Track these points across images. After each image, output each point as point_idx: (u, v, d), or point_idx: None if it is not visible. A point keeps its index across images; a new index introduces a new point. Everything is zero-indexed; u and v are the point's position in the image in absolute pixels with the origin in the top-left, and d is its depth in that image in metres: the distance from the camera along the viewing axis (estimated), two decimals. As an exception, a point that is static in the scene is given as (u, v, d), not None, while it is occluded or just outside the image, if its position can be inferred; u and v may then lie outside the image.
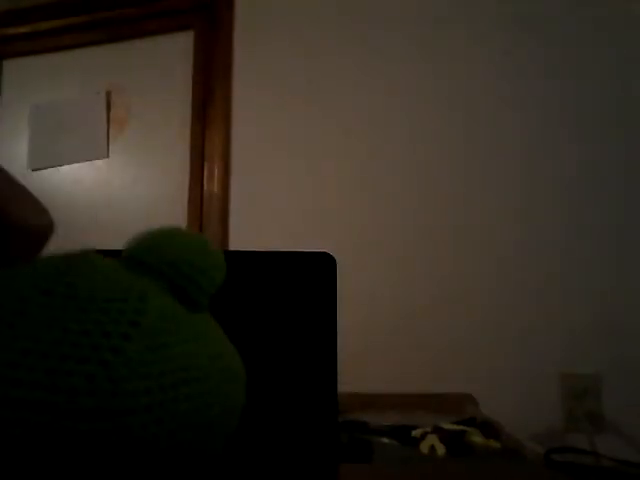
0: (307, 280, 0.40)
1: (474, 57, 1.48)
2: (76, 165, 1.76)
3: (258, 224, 1.52)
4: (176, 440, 0.18)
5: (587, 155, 1.40)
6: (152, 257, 0.24)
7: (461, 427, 0.91)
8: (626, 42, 1.42)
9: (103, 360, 0.17)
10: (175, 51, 1.73)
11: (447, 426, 0.92)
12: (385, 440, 0.91)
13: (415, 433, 0.91)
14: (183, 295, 0.24)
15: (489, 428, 0.93)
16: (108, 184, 1.72)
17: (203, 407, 0.20)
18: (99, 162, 1.74)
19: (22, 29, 1.84)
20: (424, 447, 0.86)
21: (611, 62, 1.42)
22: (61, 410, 0.15)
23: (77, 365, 0.16)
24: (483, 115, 1.45)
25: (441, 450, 0.84)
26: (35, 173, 1.77)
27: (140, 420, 0.17)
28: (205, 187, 1.59)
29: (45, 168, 1.77)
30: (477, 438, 0.87)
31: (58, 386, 0.15)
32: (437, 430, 0.90)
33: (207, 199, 1.58)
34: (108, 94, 1.77)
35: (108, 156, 1.74)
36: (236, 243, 1.53)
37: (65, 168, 1.77)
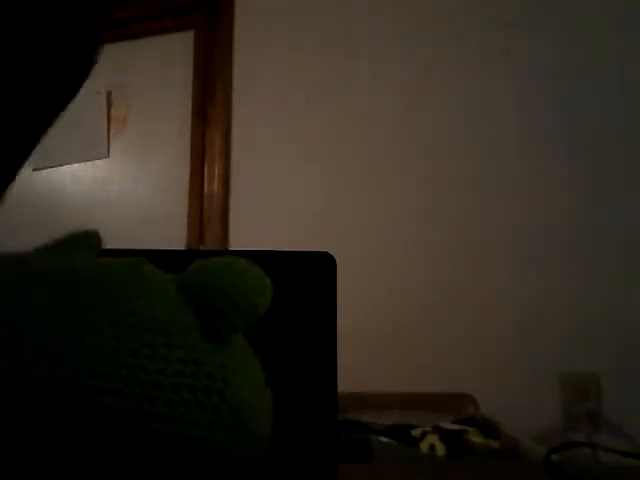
0: (306, 280, 0.40)
1: (473, 57, 1.48)
2: (76, 165, 1.76)
3: (258, 224, 1.52)
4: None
5: (588, 155, 1.40)
6: (199, 282, 0.25)
7: (461, 427, 0.91)
8: (626, 42, 1.42)
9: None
10: (175, 51, 1.73)
11: (447, 426, 0.92)
12: (384, 439, 0.91)
13: (415, 432, 0.91)
14: (209, 323, 0.24)
15: (488, 428, 0.93)
16: (108, 184, 1.72)
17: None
18: (99, 162, 1.74)
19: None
20: (424, 447, 0.86)
21: (612, 63, 1.42)
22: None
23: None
24: (484, 116, 1.45)
25: (441, 450, 0.85)
26: (35, 173, 1.77)
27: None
28: (205, 187, 1.59)
29: (46, 168, 1.77)
30: (477, 438, 0.87)
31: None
32: (437, 430, 0.90)
33: (207, 198, 1.58)
34: (108, 94, 1.77)
35: (108, 156, 1.74)
36: (236, 242, 1.53)
37: (65, 168, 1.77)
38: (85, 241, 0.28)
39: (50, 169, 1.78)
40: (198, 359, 0.23)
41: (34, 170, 1.78)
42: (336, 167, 1.50)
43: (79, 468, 0.20)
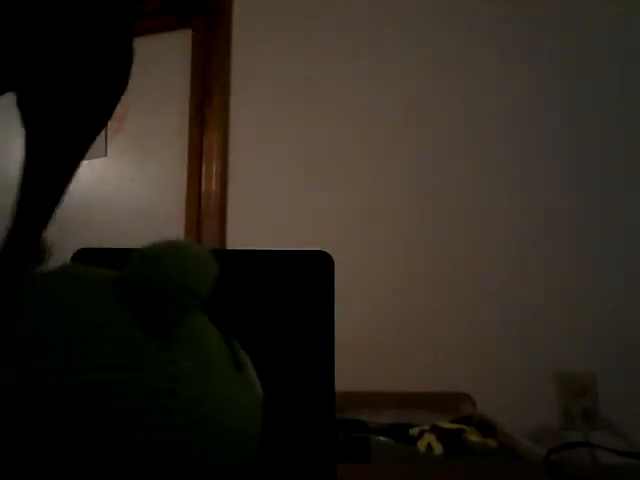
0: (304, 279, 0.40)
1: (475, 56, 1.48)
2: (74, 163, 1.75)
3: (256, 223, 1.52)
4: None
5: (588, 155, 1.40)
6: (136, 276, 0.23)
7: (458, 426, 0.91)
8: (626, 42, 1.42)
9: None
10: (173, 50, 1.73)
11: (444, 425, 0.92)
12: (382, 439, 0.91)
13: (412, 432, 0.91)
14: (150, 317, 0.22)
15: (486, 427, 0.94)
16: (106, 183, 1.72)
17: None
18: (97, 161, 1.74)
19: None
20: (421, 446, 0.86)
21: (612, 62, 1.42)
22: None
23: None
24: (484, 116, 1.45)
25: (438, 449, 0.85)
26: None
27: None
28: (203, 186, 1.59)
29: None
30: (474, 437, 0.87)
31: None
32: (434, 429, 0.90)
33: (205, 198, 1.58)
34: (106, 92, 1.76)
35: (106, 155, 1.74)
36: (234, 242, 1.53)
37: (63, 166, 1.76)
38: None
39: (48, 168, 1.77)
40: (141, 363, 0.21)
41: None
42: (336, 167, 1.50)
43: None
